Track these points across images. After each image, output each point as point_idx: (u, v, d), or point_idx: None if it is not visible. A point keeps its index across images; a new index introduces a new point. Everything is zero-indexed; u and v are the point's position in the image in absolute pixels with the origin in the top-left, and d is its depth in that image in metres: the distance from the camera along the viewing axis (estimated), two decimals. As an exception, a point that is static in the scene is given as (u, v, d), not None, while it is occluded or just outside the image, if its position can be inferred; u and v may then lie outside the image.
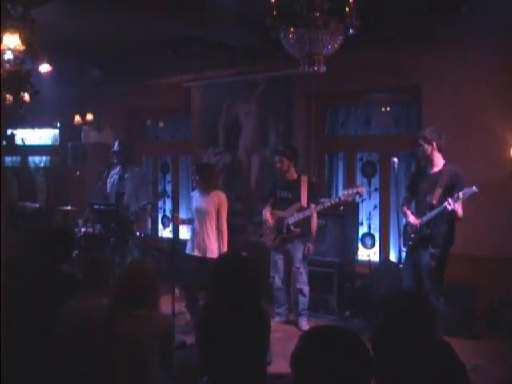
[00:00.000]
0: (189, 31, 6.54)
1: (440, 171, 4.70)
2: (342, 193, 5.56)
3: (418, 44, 5.75)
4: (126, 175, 6.30)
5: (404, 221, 4.96)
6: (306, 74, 4.20)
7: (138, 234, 6.17)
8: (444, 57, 5.74)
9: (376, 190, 6.75)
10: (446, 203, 4.44)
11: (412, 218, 4.78)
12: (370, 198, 6.81)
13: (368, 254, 6.57)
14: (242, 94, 7.36)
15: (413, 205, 4.97)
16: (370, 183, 6.80)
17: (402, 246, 4.90)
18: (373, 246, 6.73)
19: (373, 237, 6.75)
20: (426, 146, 4.68)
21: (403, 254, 4.92)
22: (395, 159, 4.89)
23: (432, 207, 4.63)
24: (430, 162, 4.73)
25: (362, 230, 6.77)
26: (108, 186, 6.49)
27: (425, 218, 4.66)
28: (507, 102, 5.42)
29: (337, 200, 5.56)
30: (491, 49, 5.48)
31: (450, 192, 4.55)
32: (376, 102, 6.76)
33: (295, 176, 5.74)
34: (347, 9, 3.61)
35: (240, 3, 5.59)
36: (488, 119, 5.50)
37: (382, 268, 6.08)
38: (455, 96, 5.74)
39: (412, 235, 4.74)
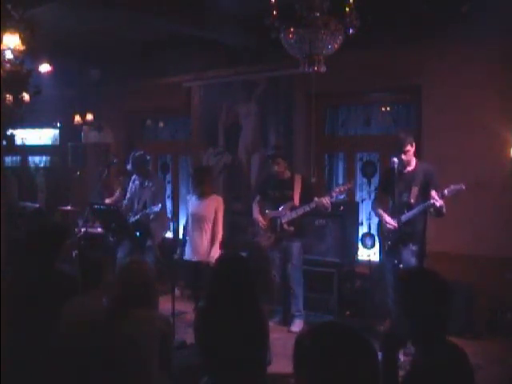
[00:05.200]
0: (189, 31, 6.53)
1: (414, 170, 4.90)
2: (334, 190, 5.55)
3: (418, 44, 5.75)
4: (146, 183, 6.30)
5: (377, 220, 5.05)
6: (306, 74, 4.20)
7: (137, 234, 6.16)
8: (444, 57, 5.74)
9: (376, 190, 6.74)
10: (433, 200, 4.57)
11: (389, 220, 4.90)
12: (370, 198, 6.80)
13: (368, 254, 6.56)
14: (241, 94, 7.35)
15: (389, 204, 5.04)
16: (369, 183, 6.80)
17: (380, 245, 5.01)
18: (373, 246, 6.71)
19: (373, 237, 6.73)
20: (411, 149, 4.88)
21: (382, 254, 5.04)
22: (395, 159, 4.92)
23: (409, 206, 4.75)
24: (405, 162, 4.90)
25: (362, 230, 6.76)
26: (129, 191, 6.50)
27: (405, 217, 4.78)
28: (507, 102, 5.41)
29: (328, 198, 5.44)
30: (491, 49, 5.47)
31: (425, 190, 4.73)
32: (376, 102, 6.75)
33: (288, 175, 5.76)
34: (347, 9, 3.61)
35: (240, 3, 5.59)
36: (488, 119, 5.50)
37: (381, 268, 6.08)
38: (455, 96, 5.73)
39: (390, 234, 4.81)
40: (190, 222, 5.98)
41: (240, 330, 2.77)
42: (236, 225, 7.19)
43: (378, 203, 5.21)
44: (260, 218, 5.84)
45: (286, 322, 5.83)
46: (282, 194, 5.73)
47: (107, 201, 7.27)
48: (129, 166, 6.45)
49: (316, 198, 5.46)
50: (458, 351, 2.20)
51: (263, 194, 5.92)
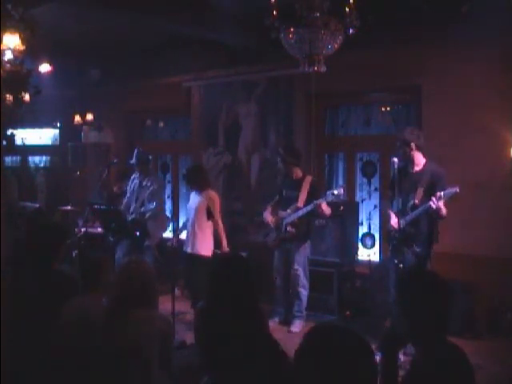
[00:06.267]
0: (189, 31, 6.53)
1: (421, 170, 4.85)
2: (327, 193, 5.51)
3: (418, 44, 5.75)
4: (144, 183, 6.34)
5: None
6: (306, 74, 4.20)
7: (137, 233, 6.17)
8: (444, 57, 5.74)
9: (376, 189, 6.75)
10: (430, 202, 4.53)
11: (393, 220, 4.88)
12: (370, 198, 6.81)
13: (368, 253, 6.57)
14: (241, 94, 7.35)
15: (394, 203, 5.03)
16: (369, 183, 6.80)
17: (381, 245, 5.02)
18: (373, 246, 6.73)
19: (373, 237, 6.75)
20: (405, 148, 4.82)
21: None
22: (395, 159, 4.90)
23: (414, 207, 4.73)
24: (411, 161, 4.86)
25: (362, 230, 6.76)
26: (128, 190, 6.53)
27: (408, 218, 4.76)
28: (507, 102, 5.41)
29: (322, 201, 5.46)
30: (491, 48, 5.47)
31: (431, 191, 4.67)
32: (376, 101, 6.75)
33: (300, 175, 5.78)
34: (347, 9, 3.61)
35: (240, 3, 5.58)
36: (488, 119, 5.50)
37: (381, 268, 6.08)
38: (455, 96, 5.73)
39: (396, 234, 4.81)
40: (188, 213, 6.14)
41: (240, 329, 2.77)
42: (236, 225, 7.19)
43: (387, 203, 5.24)
44: (269, 218, 5.87)
45: (287, 322, 5.84)
46: (291, 195, 5.75)
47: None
48: (132, 161, 6.47)
49: (315, 201, 5.48)
50: (457, 351, 2.20)
51: (280, 194, 5.93)
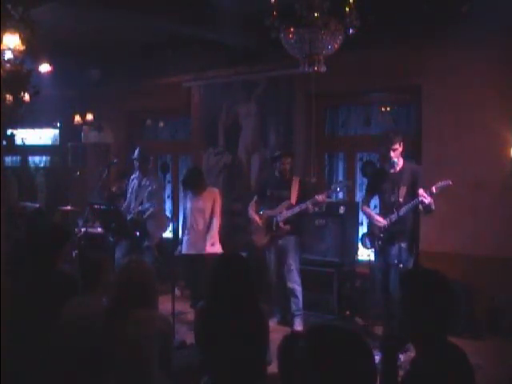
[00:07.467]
0: (189, 31, 6.53)
1: (401, 170, 4.99)
2: (331, 187, 5.65)
3: (418, 44, 5.75)
4: (143, 182, 6.36)
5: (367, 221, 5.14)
6: (306, 74, 4.21)
7: (137, 233, 6.17)
8: (444, 57, 5.74)
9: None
10: (421, 197, 4.68)
11: (381, 219, 4.99)
12: (370, 197, 6.80)
13: (368, 253, 6.56)
14: (241, 94, 7.35)
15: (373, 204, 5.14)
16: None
17: (370, 246, 5.07)
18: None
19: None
20: (399, 148, 4.96)
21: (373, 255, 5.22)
22: (395, 159, 4.93)
23: (398, 205, 4.83)
24: (394, 163, 4.97)
25: (362, 229, 6.75)
26: (128, 190, 6.55)
27: (395, 216, 4.85)
28: (508, 102, 5.41)
29: (325, 195, 5.54)
30: (491, 48, 5.47)
31: (412, 189, 4.85)
32: (376, 102, 6.75)
33: (288, 175, 5.82)
34: (347, 9, 3.61)
35: (240, 3, 5.58)
36: (488, 119, 5.50)
37: (373, 268, 6.08)
38: (455, 96, 5.73)
39: (381, 235, 4.93)
40: (188, 215, 6.11)
41: (240, 329, 2.77)
42: (236, 225, 7.19)
43: (365, 203, 5.35)
44: (256, 217, 5.89)
45: (286, 321, 5.83)
46: (281, 194, 5.76)
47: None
48: (134, 156, 6.49)
49: (316, 196, 5.50)
50: (457, 351, 2.20)
51: (261, 195, 5.95)
